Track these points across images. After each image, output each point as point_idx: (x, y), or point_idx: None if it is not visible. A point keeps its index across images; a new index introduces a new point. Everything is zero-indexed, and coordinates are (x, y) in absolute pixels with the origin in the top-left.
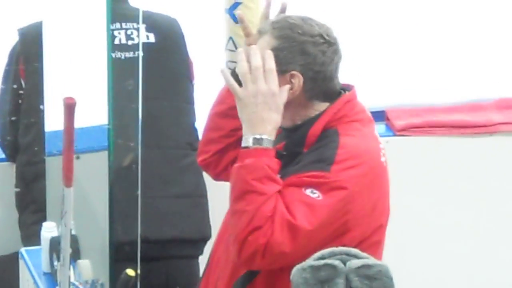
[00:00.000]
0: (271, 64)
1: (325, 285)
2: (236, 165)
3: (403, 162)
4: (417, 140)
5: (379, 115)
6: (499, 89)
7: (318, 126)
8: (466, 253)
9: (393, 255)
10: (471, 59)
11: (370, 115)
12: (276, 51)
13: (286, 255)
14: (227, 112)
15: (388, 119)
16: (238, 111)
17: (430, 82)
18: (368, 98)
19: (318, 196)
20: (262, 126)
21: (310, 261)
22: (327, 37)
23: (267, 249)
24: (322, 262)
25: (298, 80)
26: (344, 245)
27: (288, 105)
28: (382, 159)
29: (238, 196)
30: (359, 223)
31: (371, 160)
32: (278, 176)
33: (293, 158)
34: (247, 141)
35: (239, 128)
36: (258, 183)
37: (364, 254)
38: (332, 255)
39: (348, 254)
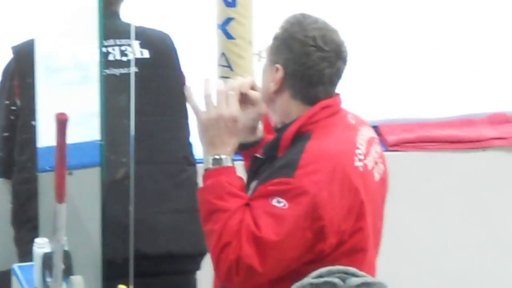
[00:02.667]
0: (233, 86)
1: None
2: (199, 187)
3: (396, 177)
4: (409, 155)
5: None
6: (492, 104)
7: (291, 129)
8: (459, 268)
9: (387, 269)
10: (463, 74)
11: (355, 122)
12: (274, 40)
13: (257, 269)
14: None
15: (380, 134)
16: (198, 133)
17: (423, 97)
18: (361, 113)
19: (284, 205)
20: (223, 148)
21: (309, 279)
22: (320, 43)
23: (239, 264)
24: (321, 280)
25: (280, 73)
26: (322, 252)
27: (276, 98)
28: (357, 163)
29: (205, 217)
30: (335, 229)
31: (339, 164)
32: (244, 190)
33: (270, 162)
34: (207, 162)
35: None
36: (220, 201)
37: (362, 273)
38: (330, 274)
39: (346, 273)
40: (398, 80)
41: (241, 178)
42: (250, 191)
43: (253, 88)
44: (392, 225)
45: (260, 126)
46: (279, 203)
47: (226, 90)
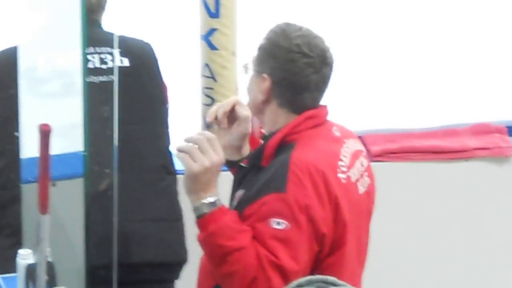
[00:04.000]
0: (209, 133)
1: None
2: (201, 235)
3: (379, 187)
4: (393, 166)
5: None
6: (474, 115)
7: (275, 138)
8: (445, 279)
9: (372, 280)
10: (447, 84)
11: (340, 135)
12: (258, 51)
13: None
14: None
15: (364, 144)
16: (187, 184)
17: (406, 107)
18: (344, 123)
19: (286, 226)
20: (213, 191)
21: None
22: (305, 49)
23: None
24: None
25: (267, 83)
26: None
27: (264, 108)
28: (340, 175)
29: (219, 262)
30: (330, 238)
31: (322, 175)
32: (243, 224)
33: (256, 171)
34: (201, 209)
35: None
36: (232, 241)
37: (342, 282)
38: (309, 283)
39: (325, 282)
40: (382, 91)
41: (235, 212)
42: (235, 201)
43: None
44: (375, 236)
45: (247, 146)
46: (279, 225)
47: (206, 137)
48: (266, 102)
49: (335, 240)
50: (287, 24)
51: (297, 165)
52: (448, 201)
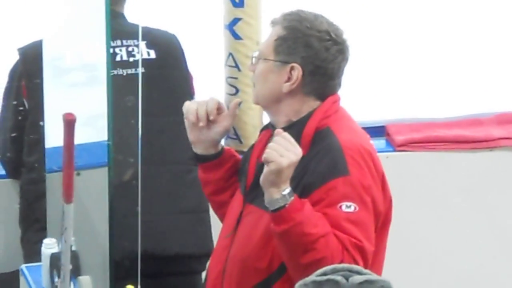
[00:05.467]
0: (286, 134)
1: None
2: (283, 226)
3: (404, 177)
4: (417, 156)
5: (379, 130)
6: (499, 104)
7: (311, 125)
8: (467, 269)
9: (393, 269)
10: (471, 73)
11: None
12: (282, 41)
13: None
14: (217, 189)
15: (388, 134)
16: (272, 179)
17: (430, 97)
18: (368, 113)
19: (355, 209)
20: (288, 182)
21: (313, 277)
22: (334, 36)
23: None
24: (324, 277)
25: (298, 72)
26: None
27: (285, 98)
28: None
29: (304, 250)
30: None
31: (369, 154)
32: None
33: None
34: (282, 201)
35: (235, 181)
36: (316, 228)
37: (367, 271)
38: (334, 272)
39: (350, 271)
40: (406, 80)
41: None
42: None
43: (220, 106)
44: (399, 225)
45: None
46: (349, 208)
47: (283, 136)
48: (290, 91)
49: (384, 218)
50: (303, 12)
51: (349, 148)
52: (472, 191)
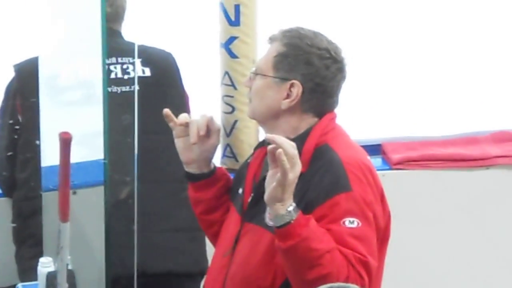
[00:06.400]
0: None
1: None
2: (289, 242)
3: (400, 196)
4: (413, 174)
5: (375, 149)
6: (495, 122)
7: (310, 142)
8: (464, 287)
9: (390, 287)
10: (467, 92)
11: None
12: (282, 57)
13: None
14: (208, 208)
15: (384, 152)
16: (278, 195)
17: (427, 115)
18: (364, 132)
19: (358, 224)
20: (292, 197)
21: None
22: (333, 54)
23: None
24: None
25: (297, 89)
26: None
27: (283, 115)
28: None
29: (310, 266)
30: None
31: (369, 170)
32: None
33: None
34: (288, 217)
35: (226, 200)
36: (322, 244)
37: None
38: None
39: None
40: (402, 99)
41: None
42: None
43: (210, 122)
44: (395, 243)
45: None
46: (352, 223)
47: (293, 149)
48: (289, 108)
49: (383, 233)
50: (302, 29)
51: (350, 163)
52: (469, 209)
